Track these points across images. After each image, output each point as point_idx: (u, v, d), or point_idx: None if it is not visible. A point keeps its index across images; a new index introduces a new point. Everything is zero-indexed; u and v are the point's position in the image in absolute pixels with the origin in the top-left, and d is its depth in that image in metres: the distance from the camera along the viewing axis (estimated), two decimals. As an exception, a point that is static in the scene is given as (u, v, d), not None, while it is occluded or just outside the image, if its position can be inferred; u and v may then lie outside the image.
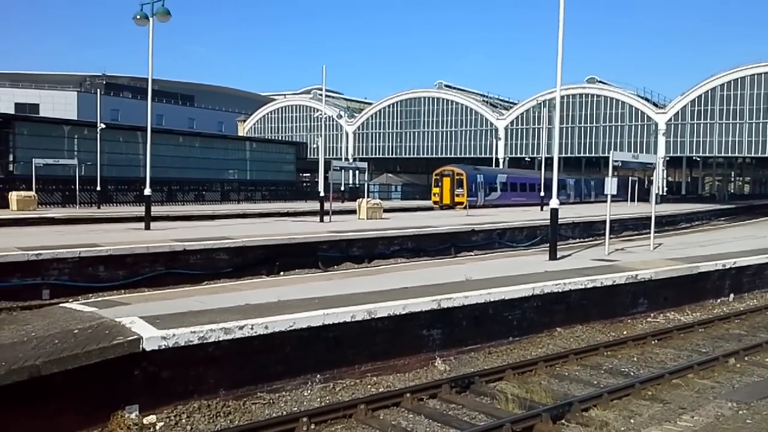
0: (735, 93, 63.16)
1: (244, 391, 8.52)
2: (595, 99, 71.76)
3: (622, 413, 8.38)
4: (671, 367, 10.44)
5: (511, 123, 76.36)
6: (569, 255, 18.15)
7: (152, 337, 7.86)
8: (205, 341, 8.19)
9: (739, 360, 10.96)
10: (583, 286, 13.07)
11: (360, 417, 8.14)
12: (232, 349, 8.45)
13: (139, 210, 28.82)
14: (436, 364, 10.38)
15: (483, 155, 76.25)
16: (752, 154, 66.30)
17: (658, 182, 60.05)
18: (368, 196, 39.05)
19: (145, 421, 7.68)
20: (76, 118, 66.04)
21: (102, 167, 40.52)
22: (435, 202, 50.43)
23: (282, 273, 19.07)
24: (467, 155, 76.93)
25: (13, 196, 33.14)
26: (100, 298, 11.85)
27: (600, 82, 73.20)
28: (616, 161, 17.98)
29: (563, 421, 8.06)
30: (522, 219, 32.36)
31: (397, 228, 25.56)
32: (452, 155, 77.34)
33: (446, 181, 50.39)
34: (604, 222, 19.29)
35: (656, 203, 21.27)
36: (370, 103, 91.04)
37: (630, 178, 53.88)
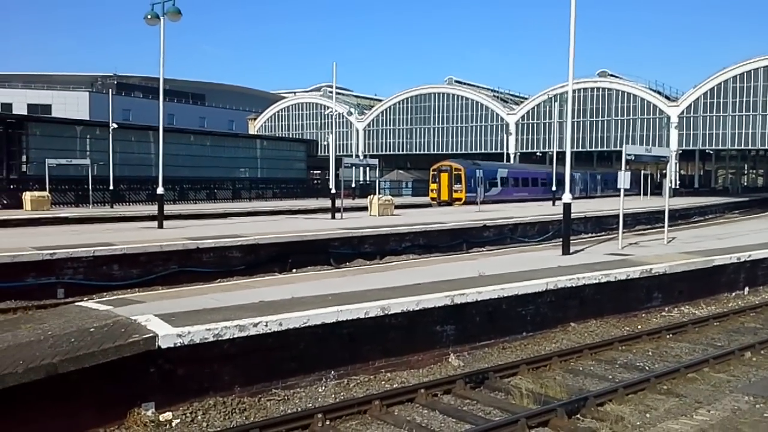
0: (748, 85, 62.60)
1: (258, 388, 8.55)
2: (606, 92, 71.35)
3: (638, 408, 8.35)
4: (687, 361, 10.38)
5: (522, 118, 76.08)
6: (582, 250, 18.08)
7: (168, 335, 7.91)
8: (219, 338, 8.23)
9: (755, 353, 10.88)
10: (596, 281, 13.01)
11: (374, 413, 8.15)
12: (247, 346, 8.48)
13: (152, 209, 28.98)
14: (449, 359, 10.38)
15: (494, 150, 76.04)
16: (766, 147, 65.68)
17: (671, 175, 59.65)
18: (379, 193, 39.09)
19: (161, 418, 7.73)
20: (88, 119, 66.44)
21: (114, 167, 40.76)
22: (432, 199, 49.00)
23: (294, 270, 19.11)
24: (478, 151, 76.74)
25: (27, 196, 33.39)
26: (115, 297, 11.94)
27: (611, 75, 72.76)
28: (629, 155, 17.87)
29: (578, 416, 8.03)
30: (534, 214, 32.25)
31: (409, 224, 25.54)
32: (463, 151, 77.21)
33: (444, 176, 49.08)
34: (617, 216, 19.19)
35: (669, 197, 21.11)
36: (380, 100, 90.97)
37: (642, 172, 53.53)
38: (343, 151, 75.31)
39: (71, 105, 78.74)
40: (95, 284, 16.01)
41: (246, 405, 8.24)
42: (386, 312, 9.76)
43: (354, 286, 11.50)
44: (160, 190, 24.47)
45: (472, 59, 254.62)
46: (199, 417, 7.88)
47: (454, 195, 48.01)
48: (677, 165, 69.94)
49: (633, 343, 11.66)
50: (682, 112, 66.42)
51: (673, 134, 66.40)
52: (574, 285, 12.57)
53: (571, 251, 16.98)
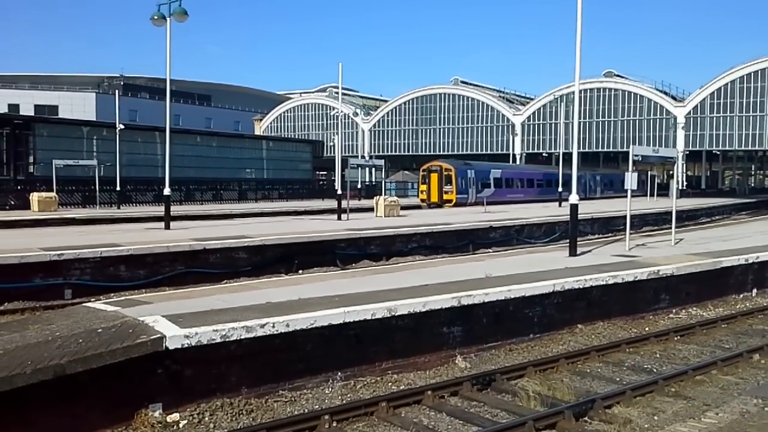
0: (755, 85, 62.35)
1: (266, 389, 8.56)
2: (612, 93, 71.17)
3: (646, 410, 8.32)
4: (694, 364, 10.34)
5: (528, 118, 75.96)
6: (589, 251, 18.03)
7: (175, 336, 7.92)
8: (227, 339, 8.23)
9: (763, 356, 10.82)
10: (604, 282, 12.98)
11: (381, 415, 8.14)
12: (254, 348, 8.48)
13: (158, 210, 29.05)
14: (456, 361, 10.36)
15: (499, 151, 75.93)
16: (773, 147, 65.44)
17: (678, 176, 59.42)
18: (385, 194, 39.08)
19: (168, 419, 7.74)
20: (95, 119, 66.64)
21: (121, 168, 40.85)
22: (422, 200, 46.91)
23: (301, 271, 19.12)
24: (484, 151, 76.65)
25: (35, 197, 33.51)
26: (122, 298, 11.95)
27: (617, 75, 72.59)
28: (636, 156, 17.82)
29: (586, 418, 8.01)
30: (540, 215, 32.19)
31: (415, 225, 25.53)
32: (468, 152, 77.13)
33: (434, 177, 46.92)
34: (624, 217, 19.14)
35: (676, 198, 21.04)
36: (385, 101, 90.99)
37: (649, 172, 53.32)
38: (348, 152, 75.34)
39: (78, 106, 79.00)
40: (102, 285, 16.04)
41: (253, 406, 8.25)
42: (393, 313, 9.75)
43: (360, 288, 11.50)
44: (166, 191, 24.51)
45: (478, 60, 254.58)
46: (207, 418, 7.88)
47: (444, 196, 46.14)
48: (684, 166, 69.68)
49: (640, 345, 11.62)
50: (689, 113, 66.21)
51: (680, 135, 66.18)
52: (581, 286, 12.54)
53: (578, 252, 16.93)
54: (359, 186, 53.64)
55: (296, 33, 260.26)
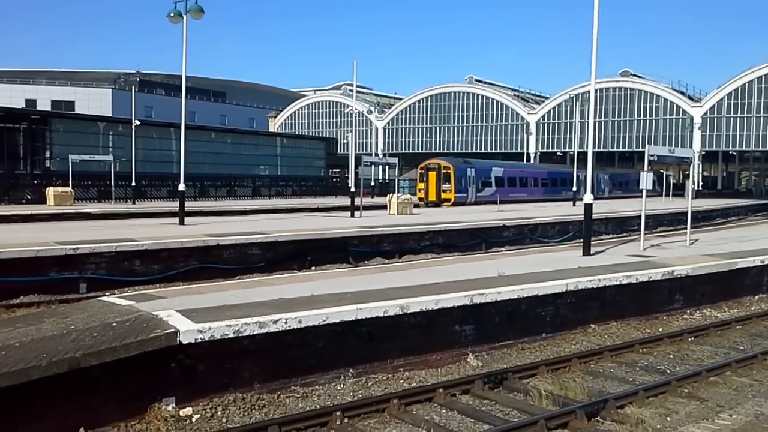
0: (773, 85, 61.79)
1: (278, 385, 8.59)
2: (629, 92, 70.81)
3: (659, 411, 8.27)
4: (708, 365, 10.27)
5: (543, 117, 75.72)
6: (603, 251, 17.95)
7: (189, 331, 7.97)
8: (240, 335, 8.28)
9: (779, 358, 10.72)
10: (618, 282, 12.91)
11: (393, 411, 8.15)
12: (267, 343, 8.52)
13: (173, 205, 29.24)
14: (468, 359, 10.35)
15: (514, 150, 75.79)
16: (791, 148, 64.78)
17: (694, 177, 58.94)
18: (398, 192, 39.07)
19: (181, 413, 7.79)
20: (110, 115, 67.16)
21: (136, 163, 41.09)
22: (420, 199, 44.66)
23: (313, 268, 19.17)
24: (498, 150, 76.53)
25: (51, 191, 33.83)
26: (136, 292, 12.06)
27: (634, 75, 72.22)
28: (651, 156, 17.70)
29: (598, 418, 7.98)
30: (554, 214, 32.08)
31: (428, 223, 25.51)
32: (483, 150, 77.03)
33: (432, 175, 45.19)
34: (638, 217, 19.05)
35: (692, 198, 20.87)
36: (399, 99, 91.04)
37: (664, 173, 52.92)
38: (362, 150, 75.51)
39: (94, 101, 79.61)
40: (117, 279, 16.18)
41: (265, 401, 8.28)
42: (405, 311, 9.76)
43: (373, 285, 11.51)
44: (181, 186, 24.67)
45: (493, 58, 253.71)
46: (219, 413, 7.93)
47: (443, 195, 44.56)
48: (700, 166, 69.18)
49: (654, 345, 11.56)
50: (706, 113, 65.73)
51: (696, 135, 65.74)
52: (594, 286, 12.48)
53: (592, 252, 16.86)
54: (372, 183, 53.69)
55: (311, 30, 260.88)
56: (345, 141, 75.87)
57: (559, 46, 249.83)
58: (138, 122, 43.47)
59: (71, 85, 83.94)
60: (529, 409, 8.25)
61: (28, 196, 37.01)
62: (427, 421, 7.96)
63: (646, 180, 17.57)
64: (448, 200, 44.19)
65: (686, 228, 20.35)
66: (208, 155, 54.59)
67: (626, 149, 71.52)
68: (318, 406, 8.29)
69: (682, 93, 69.95)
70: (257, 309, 9.13)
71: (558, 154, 73.01)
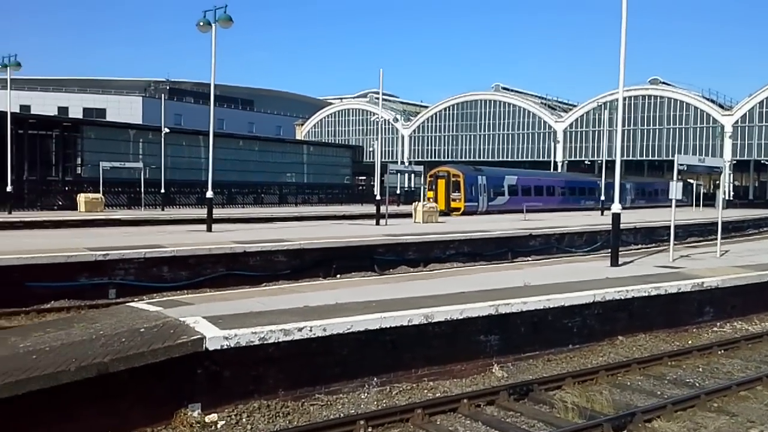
0: (807, 94, 60.66)
1: (302, 392, 8.62)
2: (658, 100, 70.02)
3: (687, 425, 8.14)
4: (739, 379, 10.07)
5: (570, 125, 75.18)
6: (631, 261, 17.74)
7: (215, 337, 8.04)
8: (265, 342, 8.32)
9: (812, 373, 10.48)
10: (646, 294, 12.74)
11: (417, 422, 8.12)
12: (291, 351, 8.56)
13: (201, 212, 29.53)
14: (493, 370, 10.28)
15: (541, 159, 75.33)
16: (826, 158, 63.45)
17: (725, 187, 57.99)
18: (424, 200, 38.99)
19: (207, 419, 7.85)
20: (141, 123, 68.18)
21: (166, 170, 41.66)
22: None
23: (339, 275, 19.22)
24: (524, 158, 76.11)
25: (81, 198, 34.44)
26: (164, 298, 12.18)
27: (663, 83, 71.43)
28: (681, 165, 17.48)
29: (625, 431, 7.87)
30: (582, 224, 31.79)
31: (453, 232, 25.44)
32: (509, 158, 76.67)
33: (441, 183, 43.50)
34: (668, 228, 18.78)
35: (722, 208, 20.54)
36: (425, 106, 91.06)
37: (694, 182, 52.17)
38: (388, 158, 75.61)
39: (125, 109, 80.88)
40: (146, 285, 16.36)
41: (289, 409, 8.31)
42: (429, 320, 9.74)
43: (397, 293, 11.51)
44: (209, 193, 24.93)
45: (520, 66, 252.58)
46: (244, 419, 7.97)
47: (452, 204, 42.99)
48: (731, 176, 68.07)
49: (683, 358, 11.37)
50: (737, 122, 64.72)
51: (727, 144, 64.76)
52: (622, 297, 12.33)
53: (619, 263, 16.66)
54: (398, 192, 53.75)
55: (338, 39, 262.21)
56: (371, 149, 76.11)
57: (586, 54, 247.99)
58: (168, 130, 44.07)
59: (102, 92, 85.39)
60: (555, 422, 8.17)
61: (60, 203, 37.74)
62: (451, 432, 7.92)
63: (676, 189, 17.32)
64: (457, 209, 42.67)
65: (716, 239, 20.04)
66: (236, 163, 55.11)
67: (655, 158, 70.65)
68: (342, 415, 8.29)
69: (713, 101, 68.99)
70: (282, 316, 9.18)
71: (586, 162, 72.36)
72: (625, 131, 66.81)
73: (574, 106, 78.72)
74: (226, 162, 50.77)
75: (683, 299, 13.47)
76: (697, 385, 10.00)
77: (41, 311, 14.11)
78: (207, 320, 8.77)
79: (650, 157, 71.30)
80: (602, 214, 41.16)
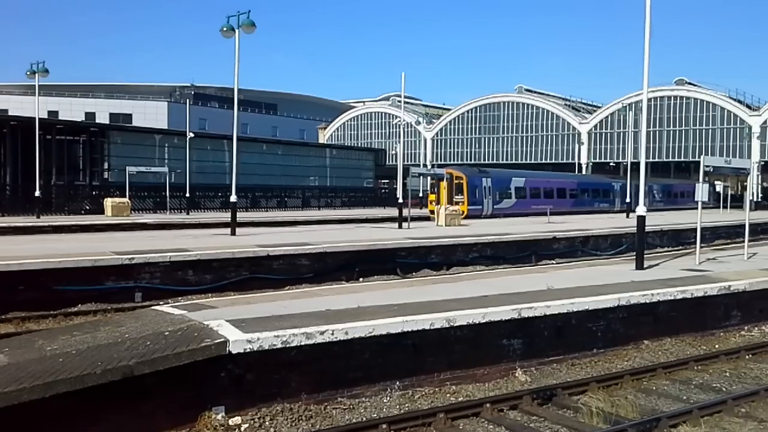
0: (838, 93, 59.45)
1: (324, 396, 8.65)
2: (684, 101, 69.18)
3: (713, 430, 8.02)
4: (766, 384, 9.91)
5: (595, 127, 74.56)
6: (657, 264, 17.53)
7: (238, 340, 8.09)
8: (287, 345, 8.37)
9: (843, 378, 10.28)
10: (672, 297, 12.58)
11: (439, 426, 8.11)
12: (314, 354, 8.59)
13: (225, 216, 29.80)
14: (516, 374, 10.23)
15: (565, 161, 74.77)
16: None
17: (753, 188, 57.05)
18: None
19: (230, 422, 7.90)
20: (166, 127, 68.89)
21: (191, 175, 42.03)
22: (431, 211, 40.30)
23: (361, 279, 19.26)
24: (548, 161, 75.63)
25: (108, 202, 34.90)
26: (189, 302, 12.32)
27: (689, 83, 70.56)
28: (707, 166, 17.25)
29: (650, 437, 7.78)
30: (606, 227, 31.52)
31: (476, 235, 25.36)
32: (533, 161, 76.24)
33: (443, 186, 41.94)
34: (694, 230, 18.53)
35: (750, 210, 20.22)
36: (448, 109, 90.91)
37: (722, 183, 51.37)
38: (410, 161, 75.56)
39: (151, 114, 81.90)
40: (171, 289, 16.54)
41: (312, 412, 8.34)
42: (452, 324, 9.71)
43: (420, 297, 11.49)
44: (233, 198, 25.12)
45: (543, 67, 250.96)
46: (267, 423, 8.02)
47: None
48: (759, 177, 67.00)
49: (709, 362, 11.21)
50: (765, 122, 63.63)
51: (755, 145, 63.73)
52: (647, 301, 12.19)
53: (645, 266, 16.47)
54: (421, 195, 53.65)
55: (360, 42, 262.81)
56: (393, 152, 76.02)
57: (611, 55, 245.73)
58: (192, 134, 44.45)
59: (129, 98, 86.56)
60: (579, 427, 8.10)
61: (87, 207, 38.29)
62: (474, 436, 7.89)
63: (702, 191, 17.08)
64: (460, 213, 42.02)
65: (744, 241, 19.73)
66: (260, 167, 55.43)
67: (681, 159, 69.78)
68: (364, 419, 8.30)
69: (740, 101, 67.97)
70: (305, 320, 9.22)
71: (611, 164, 71.68)
72: (651, 132, 66.07)
73: (599, 107, 78.08)
74: (250, 166, 51.12)
75: (710, 303, 13.28)
76: (724, 390, 9.85)
77: (68, 314, 14.34)
78: (230, 324, 8.84)
79: (676, 159, 70.46)
80: (627, 216, 40.70)
